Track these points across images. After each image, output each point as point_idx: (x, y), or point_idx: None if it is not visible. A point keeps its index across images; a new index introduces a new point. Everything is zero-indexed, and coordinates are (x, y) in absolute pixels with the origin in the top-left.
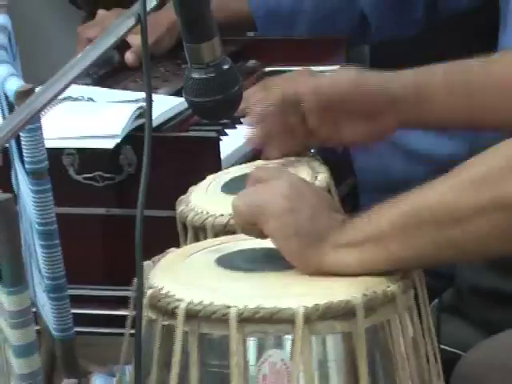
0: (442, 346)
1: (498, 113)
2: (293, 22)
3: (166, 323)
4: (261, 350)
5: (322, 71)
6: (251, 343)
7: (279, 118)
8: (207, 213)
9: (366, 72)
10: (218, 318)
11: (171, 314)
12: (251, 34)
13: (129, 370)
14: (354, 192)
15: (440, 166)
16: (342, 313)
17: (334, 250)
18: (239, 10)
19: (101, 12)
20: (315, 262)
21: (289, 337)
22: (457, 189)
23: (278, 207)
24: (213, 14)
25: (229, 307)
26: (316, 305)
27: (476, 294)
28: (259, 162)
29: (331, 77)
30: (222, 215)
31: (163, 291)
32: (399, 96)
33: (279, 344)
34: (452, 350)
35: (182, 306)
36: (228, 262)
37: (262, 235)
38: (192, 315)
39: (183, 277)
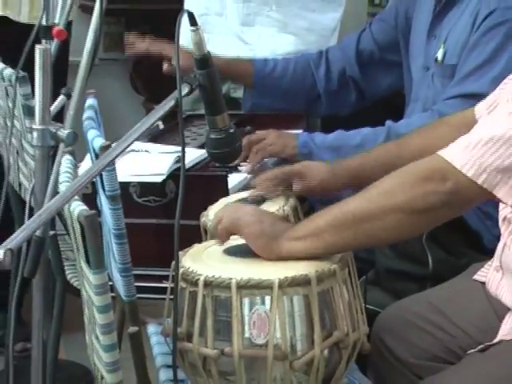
0: (367, 306)
1: None
2: (275, 96)
3: (192, 290)
4: (251, 306)
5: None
6: (245, 301)
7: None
8: None
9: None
10: (224, 285)
11: (195, 283)
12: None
13: (169, 320)
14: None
15: None
16: (302, 282)
17: (287, 242)
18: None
19: None
20: (276, 252)
21: (269, 297)
22: (370, 198)
23: (249, 220)
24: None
25: (231, 279)
26: (286, 277)
27: (389, 273)
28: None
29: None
30: None
31: (190, 269)
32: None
33: (263, 302)
34: (373, 308)
35: (202, 278)
36: (231, 251)
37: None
38: (208, 284)
39: (203, 260)
